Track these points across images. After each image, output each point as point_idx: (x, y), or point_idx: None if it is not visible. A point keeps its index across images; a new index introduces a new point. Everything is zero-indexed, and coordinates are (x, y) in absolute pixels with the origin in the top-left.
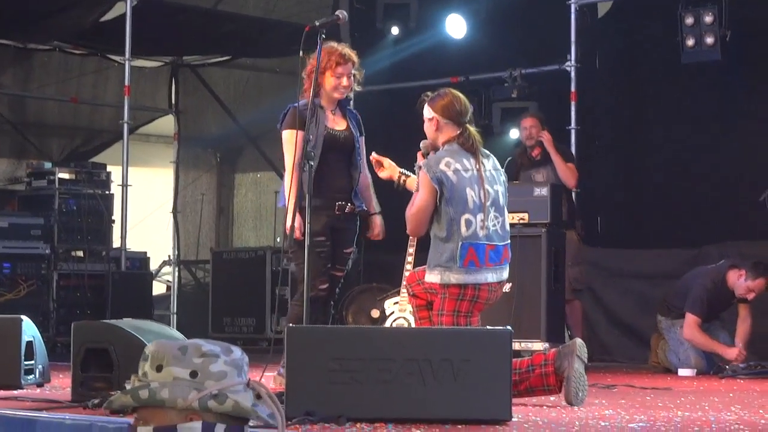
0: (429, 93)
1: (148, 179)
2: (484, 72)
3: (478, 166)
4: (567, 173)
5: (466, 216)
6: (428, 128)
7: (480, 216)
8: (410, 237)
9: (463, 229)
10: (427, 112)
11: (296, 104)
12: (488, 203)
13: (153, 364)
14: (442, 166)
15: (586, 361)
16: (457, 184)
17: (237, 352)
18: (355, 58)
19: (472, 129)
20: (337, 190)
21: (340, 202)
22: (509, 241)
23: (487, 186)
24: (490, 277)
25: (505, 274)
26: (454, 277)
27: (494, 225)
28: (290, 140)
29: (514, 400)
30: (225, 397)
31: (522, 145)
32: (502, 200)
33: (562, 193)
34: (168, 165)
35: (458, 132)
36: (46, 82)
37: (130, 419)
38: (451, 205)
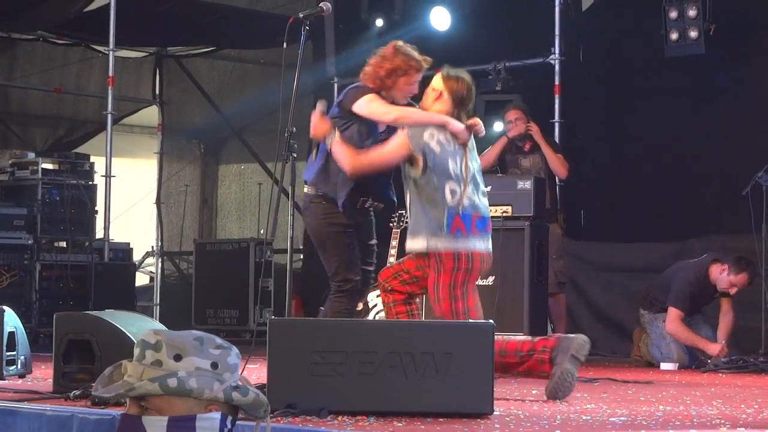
0: (449, 69)
1: (132, 170)
2: (468, 64)
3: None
4: (558, 163)
5: (451, 185)
6: (428, 96)
7: (463, 187)
8: (393, 230)
9: (448, 197)
10: (437, 83)
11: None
12: (469, 177)
13: (170, 352)
14: (425, 137)
15: (582, 359)
16: (439, 154)
17: (233, 346)
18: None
19: (465, 119)
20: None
21: (363, 198)
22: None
23: (468, 161)
24: (479, 245)
25: (490, 246)
26: (441, 244)
27: (477, 198)
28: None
29: (503, 388)
30: (247, 390)
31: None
32: (479, 177)
33: (546, 185)
34: (152, 156)
35: (452, 114)
36: (29, 71)
37: (114, 410)
38: (435, 173)
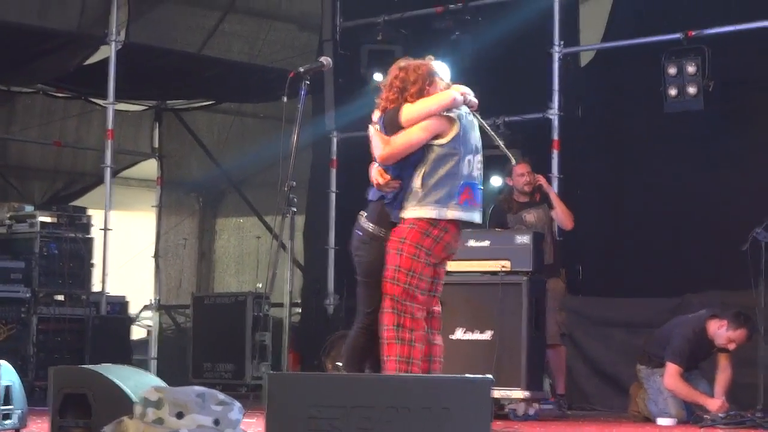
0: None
1: (130, 223)
2: None
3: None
4: (566, 214)
5: (470, 157)
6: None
7: (478, 158)
8: None
9: (465, 169)
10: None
11: None
12: (480, 145)
13: (172, 410)
14: (461, 111)
15: None
16: (467, 124)
17: (236, 401)
18: None
19: None
20: None
21: None
22: None
23: (476, 131)
24: (477, 217)
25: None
26: (451, 213)
27: (480, 169)
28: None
29: None
30: None
31: (506, 190)
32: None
33: (547, 240)
34: (150, 209)
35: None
36: (28, 124)
37: None
38: (461, 143)
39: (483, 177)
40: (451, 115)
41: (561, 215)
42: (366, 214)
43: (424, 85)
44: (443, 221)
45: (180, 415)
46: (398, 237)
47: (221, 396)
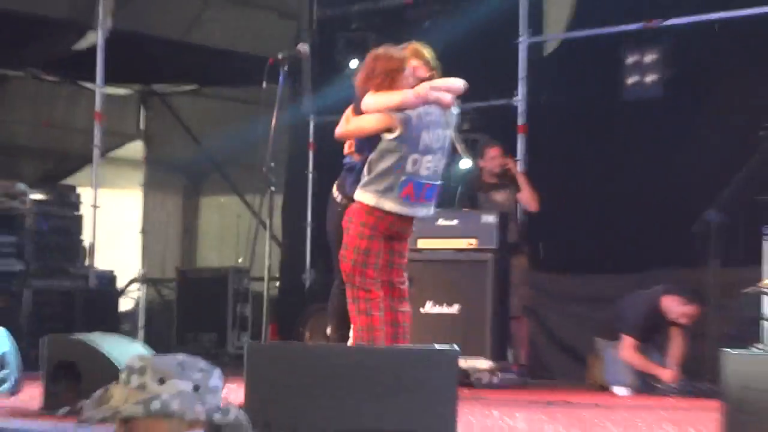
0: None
1: (117, 201)
2: None
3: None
4: (532, 197)
5: (415, 156)
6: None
7: (427, 158)
8: None
9: (409, 166)
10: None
11: None
12: (438, 146)
13: (154, 376)
14: (411, 113)
15: None
16: (416, 124)
17: (216, 368)
18: None
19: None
20: None
21: None
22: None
23: (440, 130)
24: (420, 211)
25: (432, 211)
26: (388, 205)
27: (436, 167)
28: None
29: (466, 408)
30: (228, 411)
31: (476, 171)
32: (447, 143)
33: (510, 219)
34: (136, 187)
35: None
36: (18, 106)
37: (99, 428)
38: (406, 143)
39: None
40: (401, 115)
41: (527, 197)
42: (337, 181)
43: (386, 80)
44: (379, 210)
45: (161, 381)
46: (348, 216)
47: (201, 363)
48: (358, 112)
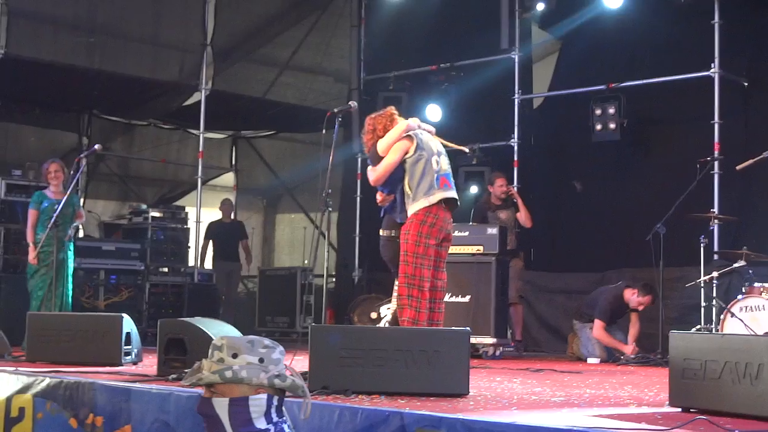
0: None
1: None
2: None
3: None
4: (528, 217)
5: (435, 157)
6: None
7: (443, 157)
8: None
9: (434, 165)
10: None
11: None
12: (441, 150)
13: (229, 352)
14: (415, 131)
15: None
16: (423, 137)
17: (279, 345)
18: None
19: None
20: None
21: None
22: None
23: (435, 141)
24: (454, 194)
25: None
26: (438, 196)
27: (448, 164)
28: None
29: (475, 376)
30: (285, 377)
31: (485, 194)
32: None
33: (510, 232)
34: None
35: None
36: (143, 147)
37: (200, 390)
38: (424, 150)
39: (465, 186)
40: (410, 134)
41: (524, 217)
42: (381, 226)
43: (387, 123)
44: (433, 206)
45: (234, 356)
46: (405, 230)
47: (266, 341)
48: (376, 160)
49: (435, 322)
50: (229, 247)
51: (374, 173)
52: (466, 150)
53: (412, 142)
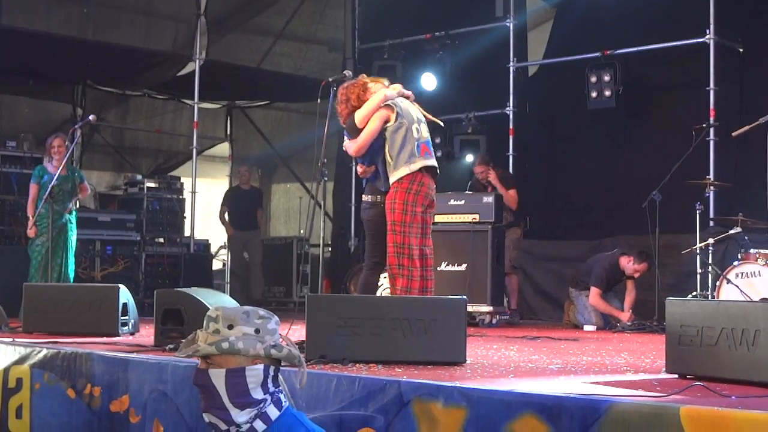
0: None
1: (210, 188)
2: (447, 113)
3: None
4: (509, 199)
5: (414, 125)
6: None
7: (423, 125)
8: None
9: (414, 133)
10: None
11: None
12: (420, 117)
13: (225, 323)
14: (395, 100)
15: None
16: (403, 105)
17: (275, 315)
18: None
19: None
20: None
21: None
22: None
23: (413, 108)
24: (434, 161)
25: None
26: (419, 164)
27: (426, 131)
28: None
29: (472, 344)
30: (281, 347)
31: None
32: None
33: (505, 209)
34: (224, 178)
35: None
36: (138, 118)
37: (197, 360)
38: (404, 117)
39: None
40: (389, 103)
41: (505, 200)
42: (364, 192)
43: (360, 92)
44: (416, 173)
45: (230, 327)
46: (390, 199)
47: (261, 312)
48: (355, 132)
49: (429, 290)
50: (245, 214)
51: (355, 144)
52: (441, 123)
53: (392, 111)
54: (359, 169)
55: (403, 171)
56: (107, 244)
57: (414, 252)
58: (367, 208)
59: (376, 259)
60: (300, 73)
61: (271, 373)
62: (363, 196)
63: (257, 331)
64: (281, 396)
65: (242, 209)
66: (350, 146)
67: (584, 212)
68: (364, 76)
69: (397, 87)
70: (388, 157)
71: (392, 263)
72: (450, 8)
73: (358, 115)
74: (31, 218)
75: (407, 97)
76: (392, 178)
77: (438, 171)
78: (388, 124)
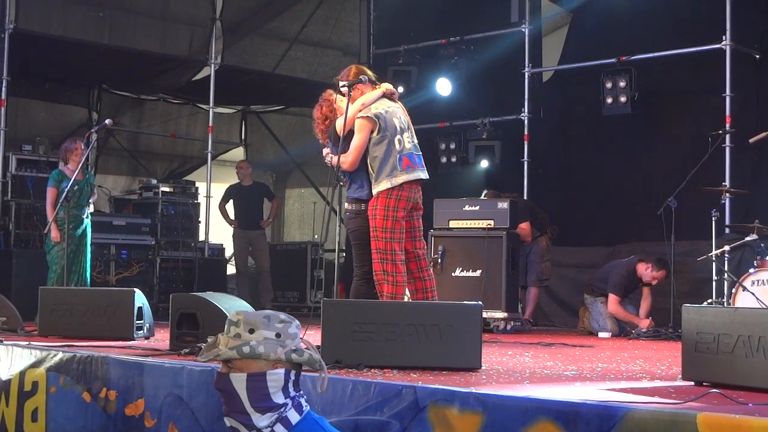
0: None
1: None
2: (463, 119)
3: (395, 103)
4: (521, 233)
5: (397, 136)
6: (355, 94)
7: (406, 135)
8: None
9: (397, 145)
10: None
11: None
12: (405, 125)
13: (246, 327)
14: (378, 110)
15: None
16: (387, 116)
17: (295, 320)
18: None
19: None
20: None
21: None
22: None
23: (404, 115)
24: (422, 174)
25: (427, 174)
26: (401, 178)
27: (413, 141)
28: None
29: (487, 350)
30: (302, 351)
31: None
32: (409, 122)
33: (520, 207)
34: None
35: (375, 86)
36: (153, 122)
37: (216, 365)
38: (387, 130)
39: (475, 160)
40: (369, 115)
41: (523, 234)
42: (347, 201)
43: (332, 106)
44: (397, 188)
45: (251, 331)
46: (372, 206)
47: (282, 316)
48: (337, 140)
49: (429, 290)
50: (248, 213)
51: (347, 158)
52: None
53: (375, 124)
54: (324, 151)
55: (384, 185)
56: (122, 248)
57: (397, 257)
58: (351, 218)
59: (365, 268)
60: (315, 78)
61: (292, 377)
62: (346, 204)
63: (278, 335)
64: (302, 401)
65: (244, 206)
66: (343, 162)
67: (599, 219)
68: (330, 91)
69: (384, 86)
70: (370, 169)
71: (377, 269)
72: (465, 13)
73: (339, 123)
74: (54, 223)
75: (392, 95)
76: (375, 189)
77: (423, 179)
78: (372, 134)
